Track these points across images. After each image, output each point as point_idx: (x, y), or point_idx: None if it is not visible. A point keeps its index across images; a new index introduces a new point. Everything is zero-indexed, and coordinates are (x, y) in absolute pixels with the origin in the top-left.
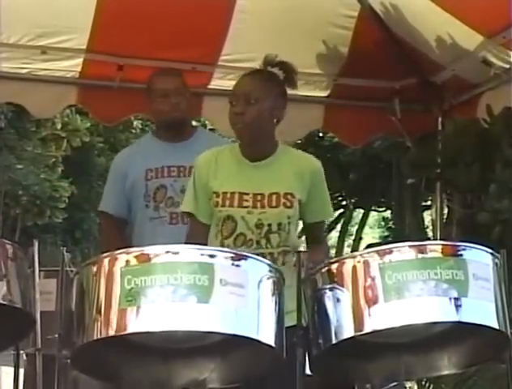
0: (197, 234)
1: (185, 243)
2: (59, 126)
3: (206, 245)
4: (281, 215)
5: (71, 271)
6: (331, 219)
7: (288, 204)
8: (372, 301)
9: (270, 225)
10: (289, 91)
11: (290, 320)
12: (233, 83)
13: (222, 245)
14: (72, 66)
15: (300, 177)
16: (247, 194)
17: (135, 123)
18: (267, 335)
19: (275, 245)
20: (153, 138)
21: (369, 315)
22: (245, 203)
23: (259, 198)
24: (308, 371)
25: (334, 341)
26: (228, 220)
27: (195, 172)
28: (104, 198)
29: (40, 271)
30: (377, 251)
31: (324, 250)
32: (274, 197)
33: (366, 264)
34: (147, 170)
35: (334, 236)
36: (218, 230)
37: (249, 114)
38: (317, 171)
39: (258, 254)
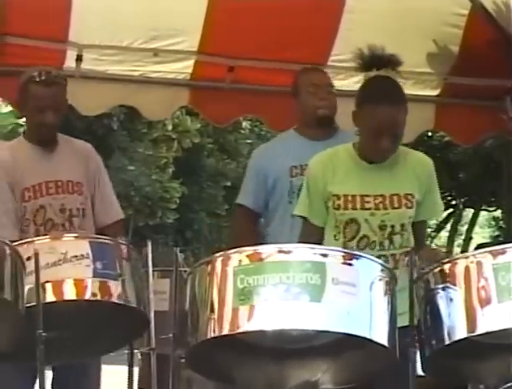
0: (310, 237)
1: None
2: (170, 128)
3: None
4: (403, 215)
5: (185, 271)
6: (440, 218)
7: (409, 205)
8: (485, 302)
9: (393, 226)
10: None
11: (401, 321)
12: (343, 83)
13: (345, 248)
14: (183, 68)
15: (418, 178)
16: (368, 195)
17: (244, 124)
18: (380, 335)
19: (398, 247)
20: (295, 135)
21: (483, 316)
22: (368, 205)
23: (380, 199)
24: (420, 372)
25: (447, 342)
26: (351, 223)
27: (309, 175)
28: (243, 192)
29: (153, 271)
30: (490, 251)
31: (437, 249)
32: (395, 198)
33: (479, 264)
34: (292, 167)
35: (443, 235)
36: (338, 232)
37: (394, 148)
38: (432, 171)
39: (380, 256)
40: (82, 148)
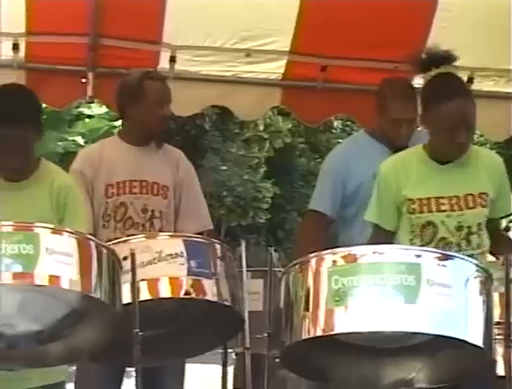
0: (380, 242)
1: None
2: (262, 128)
3: None
4: (479, 215)
5: (279, 271)
6: None
7: (484, 204)
8: None
9: (469, 227)
10: (491, 89)
11: None
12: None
13: None
14: (276, 68)
15: (491, 176)
16: (442, 197)
17: (336, 123)
18: (475, 336)
19: (475, 246)
20: (373, 142)
21: None
22: (443, 207)
23: (455, 200)
24: None
25: None
26: (429, 226)
27: (381, 180)
28: (319, 197)
29: (247, 271)
30: None
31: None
32: (469, 198)
33: None
34: (374, 174)
35: None
36: (414, 236)
37: (469, 142)
38: (503, 168)
39: None
40: (173, 154)
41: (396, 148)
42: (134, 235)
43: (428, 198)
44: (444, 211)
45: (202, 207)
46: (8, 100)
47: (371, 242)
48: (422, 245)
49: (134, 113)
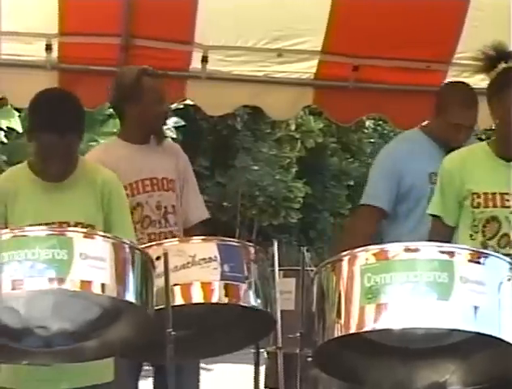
0: (440, 236)
1: None
2: (293, 128)
3: None
4: None
5: (311, 270)
6: None
7: None
8: None
9: None
10: None
11: None
12: (469, 80)
13: (484, 247)
14: (307, 68)
15: None
16: (507, 193)
17: (367, 123)
18: (510, 334)
19: None
20: (429, 141)
21: None
22: (508, 203)
23: None
24: None
25: None
26: (493, 221)
27: (444, 174)
28: (375, 192)
29: (279, 270)
30: None
31: None
32: None
33: None
34: (431, 174)
35: None
36: (475, 231)
37: None
38: None
39: None
40: (171, 147)
41: (450, 149)
42: (153, 234)
43: (494, 193)
44: (508, 207)
45: (199, 196)
46: (56, 108)
47: (431, 236)
48: (483, 242)
49: (134, 111)
